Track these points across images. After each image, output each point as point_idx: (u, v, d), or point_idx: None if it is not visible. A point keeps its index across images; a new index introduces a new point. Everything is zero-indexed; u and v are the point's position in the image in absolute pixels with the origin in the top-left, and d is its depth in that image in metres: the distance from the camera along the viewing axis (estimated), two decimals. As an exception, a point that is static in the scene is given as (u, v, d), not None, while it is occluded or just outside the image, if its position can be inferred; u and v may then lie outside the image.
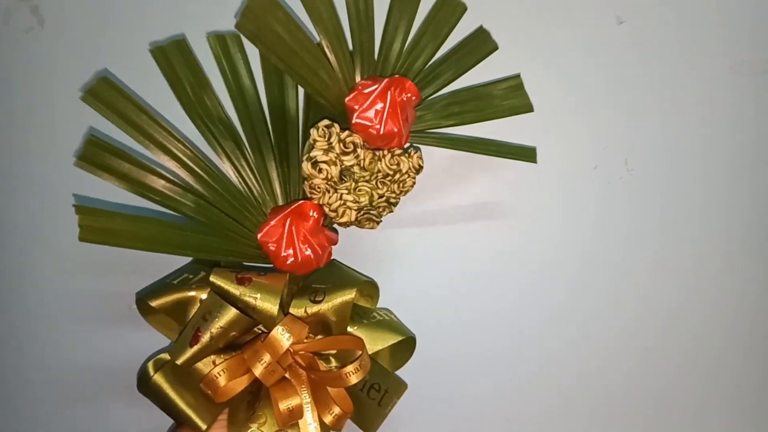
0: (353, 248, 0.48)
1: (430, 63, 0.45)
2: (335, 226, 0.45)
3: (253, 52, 0.43)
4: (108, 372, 0.47)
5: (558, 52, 0.49)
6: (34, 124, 0.45)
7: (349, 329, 0.44)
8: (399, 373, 0.48)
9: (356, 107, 0.39)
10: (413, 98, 0.40)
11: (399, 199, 0.43)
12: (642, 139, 0.51)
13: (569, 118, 0.50)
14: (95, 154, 0.39)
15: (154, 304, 0.42)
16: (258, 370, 0.39)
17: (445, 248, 0.50)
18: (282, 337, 0.39)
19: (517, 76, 0.46)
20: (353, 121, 0.39)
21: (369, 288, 0.48)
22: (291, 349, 0.43)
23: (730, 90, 0.50)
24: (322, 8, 0.40)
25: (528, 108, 0.45)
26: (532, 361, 0.52)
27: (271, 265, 0.43)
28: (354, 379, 0.40)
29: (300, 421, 0.42)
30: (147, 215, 0.40)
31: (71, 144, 0.45)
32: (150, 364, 0.42)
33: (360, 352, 0.41)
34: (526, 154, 0.45)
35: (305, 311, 0.43)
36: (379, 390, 0.45)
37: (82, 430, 0.48)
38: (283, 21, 0.37)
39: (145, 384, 0.41)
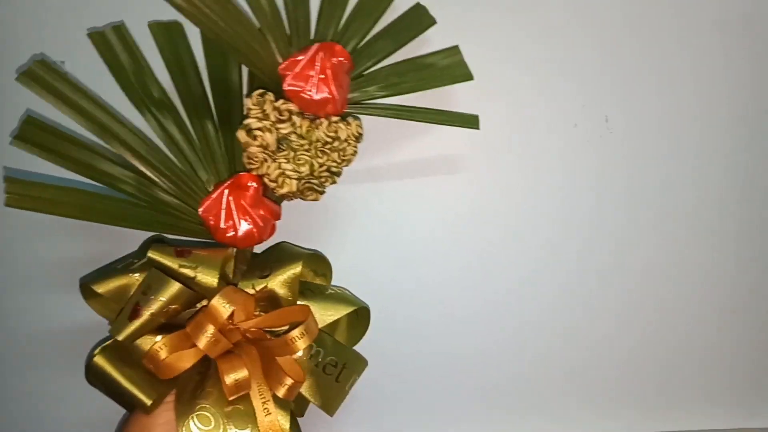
0: (309, 220, 0.48)
1: (367, 38, 0.45)
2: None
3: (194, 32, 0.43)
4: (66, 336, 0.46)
5: (536, 9, 0.49)
6: None
7: (301, 304, 0.44)
8: (362, 347, 0.47)
9: (288, 74, 0.40)
10: (344, 61, 0.40)
11: (341, 168, 0.43)
12: (623, 97, 0.50)
13: (548, 76, 0.50)
14: (33, 134, 0.39)
15: (98, 289, 0.41)
16: (202, 342, 0.38)
17: (410, 207, 0.49)
18: (222, 305, 0.39)
19: (455, 47, 0.46)
20: (285, 88, 0.39)
21: (320, 265, 0.47)
22: (240, 327, 0.42)
23: (712, 42, 0.49)
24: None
25: (467, 77, 0.45)
26: (503, 326, 0.51)
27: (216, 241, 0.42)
28: (301, 344, 0.40)
29: (253, 397, 0.41)
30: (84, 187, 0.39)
31: (27, 107, 0.44)
32: (96, 351, 0.41)
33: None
34: (469, 121, 0.45)
35: (253, 287, 0.43)
36: (336, 366, 0.45)
37: (40, 393, 0.47)
38: None
39: (89, 370, 0.40)
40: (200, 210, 0.41)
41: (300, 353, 0.43)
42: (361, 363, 0.46)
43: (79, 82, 0.42)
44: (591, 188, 0.50)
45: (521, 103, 0.49)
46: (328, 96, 0.40)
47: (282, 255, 0.44)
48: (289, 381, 0.40)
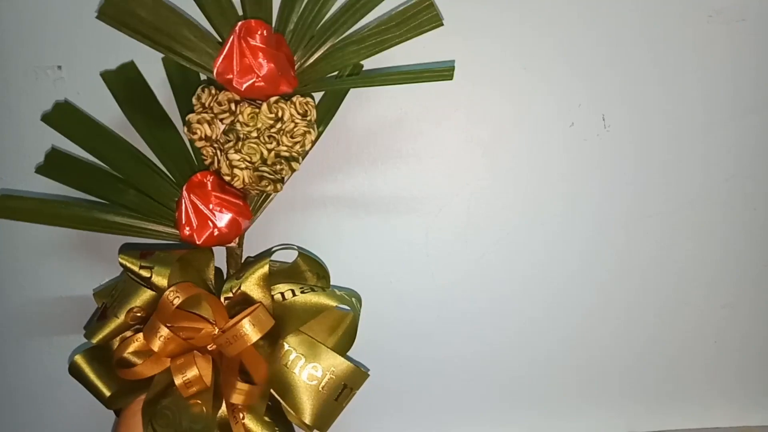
0: (308, 224, 0.48)
1: (333, 13, 0.41)
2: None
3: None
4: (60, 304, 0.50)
5: (533, 8, 0.47)
6: None
7: (282, 301, 0.41)
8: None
9: (216, 62, 0.38)
10: (266, 34, 0.37)
11: (297, 153, 0.39)
12: (619, 95, 0.48)
13: (544, 74, 0.48)
14: (58, 164, 0.45)
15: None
16: (155, 345, 0.38)
17: (408, 209, 0.49)
18: (171, 299, 0.38)
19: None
20: (215, 76, 0.38)
21: (319, 267, 0.44)
22: (222, 332, 0.40)
23: (708, 40, 0.47)
24: None
25: (436, 22, 0.38)
26: (505, 327, 0.52)
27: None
28: (253, 336, 0.37)
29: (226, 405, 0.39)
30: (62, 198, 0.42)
31: (24, 113, 0.47)
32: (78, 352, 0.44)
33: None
34: (444, 73, 0.38)
35: (231, 291, 0.41)
36: (326, 377, 0.40)
37: (37, 359, 0.51)
38: (146, 4, 0.38)
39: (70, 367, 0.43)
40: (176, 213, 0.42)
41: (282, 361, 0.40)
42: (361, 377, 0.41)
43: (91, 115, 0.46)
44: (588, 186, 0.49)
45: (518, 102, 0.48)
46: (254, 78, 0.37)
47: (260, 256, 0.42)
48: (244, 387, 0.37)
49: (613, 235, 0.50)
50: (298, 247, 0.45)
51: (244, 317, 0.38)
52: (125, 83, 0.45)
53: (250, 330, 0.37)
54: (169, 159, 0.44)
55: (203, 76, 0.45)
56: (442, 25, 0.38)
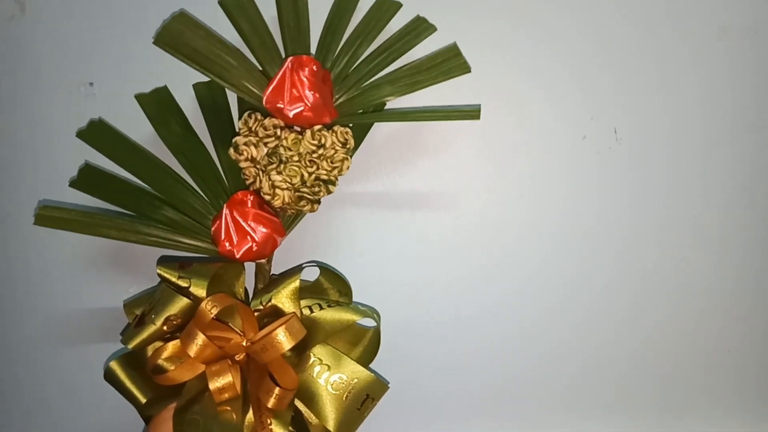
0: (324, 227, 0.50)
1: (369, 53, 0.46)
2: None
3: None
4: (95, 314, 0.50)
5: (545, 21, 0.49)
6: (18, 110, 0.50)
7: (309, 314, 0.44)
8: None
9: (266, 92, 0.42)
10: (314, 69, 0.41)
11: (335, 177, 0.43)
12: (631, 108, 0.50)
13: (557, 88, 0.50)
14: (91, 179, 0.47)
15: (136, 311, 0.46)
16: (192, 350, 0.40)
17: (422, 215, 0.51)
18: (208, 309, 0.40)
19: (453, 45, 0.45)
20: (264, 103, 0.42)
21: (342, 285, 0.47)
22: (251, 342, 0.43)
23: (720, 54, 0.49)
24: (249, 26, 0.44)
25: (465, 69, 0.43)
26: (509, 328, 0.52)
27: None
28: (286, 344, 0.40)
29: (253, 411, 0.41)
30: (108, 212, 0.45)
31: (58, 128, 0.49)
32: (113, 357, 0.45)
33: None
34: (471, 113, 0.43)
35: (261, 303, 0.44)
36: (350, 387, 0.43)
37: (69, 369, 0.51)
38: (201, 35, 0.42)
39: (105, 372, 0.44)
40: (212, 228, 0.44)
41: (309, 371, 0.42)
42: (380, 387, 0.44)
43: (123, 133, 0.49)
44: (600, 198, 0.51)
45: (530, 114, 0.50)
46: (302, 107, 0.41)
47: (289, 271, 0.45)
48: (276, 390, 0.39)
49: (626, 246, 0.51)
50: (321, 263, 0.48)
51: (278, 326, 0.41)
52: (159, 106, 0.48)
53: (284, 338, 0.40)
54: (200, 178, 0.47)
55: (230, 96, 0.48)
56: (470, 71, 0.44)
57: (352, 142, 0.43)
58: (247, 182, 0.43)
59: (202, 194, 0.47)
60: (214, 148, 0.48)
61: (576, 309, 0.52)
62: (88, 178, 0.47)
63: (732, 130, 0.50)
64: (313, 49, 0.47)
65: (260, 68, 0.44)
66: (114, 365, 0.43)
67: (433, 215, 0.50)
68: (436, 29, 0.46)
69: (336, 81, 0.45)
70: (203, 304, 0.40)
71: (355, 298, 0.48)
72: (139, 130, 0.48)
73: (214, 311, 0.40)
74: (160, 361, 0.41)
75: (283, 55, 0.46)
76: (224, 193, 0.46)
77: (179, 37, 0.43)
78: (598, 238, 0.50)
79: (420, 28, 0.46)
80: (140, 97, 0.48)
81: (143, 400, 0.42)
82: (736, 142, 0.50)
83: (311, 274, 0.49)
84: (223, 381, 0.39)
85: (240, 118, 0.48)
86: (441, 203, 0.50)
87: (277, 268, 0.49)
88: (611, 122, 0.49)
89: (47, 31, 0.49)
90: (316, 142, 0.42)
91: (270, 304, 0.43)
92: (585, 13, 0.49)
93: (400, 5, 0.47)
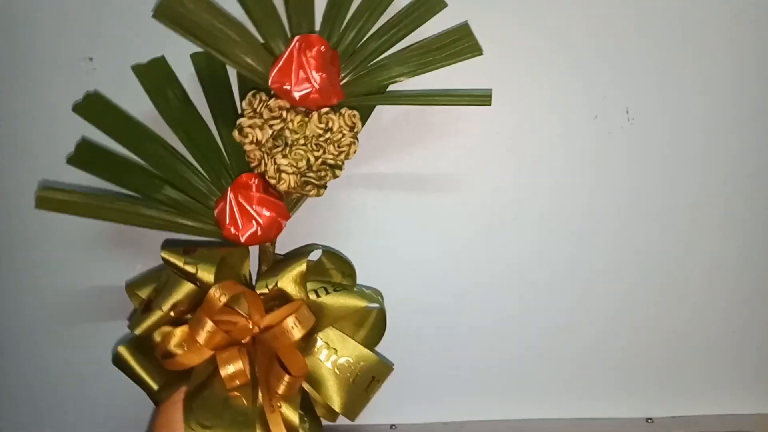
0: (333, 224, 0.49)
1: (374, 29, 0.44)
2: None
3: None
4: (99, 292, 0.50)
5: (557, 2, 0.47)
6: (15, 84, 0.48)
7: (316, 299, 0.44)
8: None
9: (272, 72, 0.40)
10: (323, 50, 0.40)
11: (341, 161, 0.42)
12: (643, 88, 0.50)
13: (568, 67, 0.49)
14: (87, 155, 0.46)
15: (139, 293, 0.45)
16: (201, 337, 0.40)
17: (438, 199, 0.50)
18: (217, 295, 0.40)
19: (465, 24, 0.43)
20: (270, 86, 0.40)
21: (344, 265, 0.47)
22: (257, 325, 0.43)
23: (733, 35, 0.48)
24: None
25: (476, 51, 0.42)
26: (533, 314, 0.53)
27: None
28: (296, 333, 0.40)
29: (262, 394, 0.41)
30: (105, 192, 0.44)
31: (57, 103, 0.47)
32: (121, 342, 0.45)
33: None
34: (482, 98, 0.42)
35: (266, 287, 0.43)
36: (356, 369, 0.44)
37: (72, 349, 0.52)
38: (203, 8, 0.40)
39: (114, 357, 0.45)
40: (215, 211, 0.44)
41: (316, 354, 0.43)
42: (384, 369, 0.45)
43: (121, 107, 0.47)
44: (612, 178, 0.50)
45: (541, 94, 0.49)
46: (309, 89, 0.39)
47: (294, 254, 0.44)
48: (285, 377, 0.39)
49: (638, 227, 0.51)
50: (324, 246, 0.48)
51: (288, 315, 0.41)
52: (156, 77, 0.46)
53: (294, 327, 0.40)
54: (201, 155, 0.46)
55: (230, 73, 0.46)
56: (482, 53, 0.42)
57: (359, 126, 0.42)
58: (252, 165, 0.42)
59: (204, 173, 0.46)
60: (214, 122, 0.46)
61: (580, 289, 0.52)
62: (85, 155, 0.46)
63: (750, 112, 0.49)
64: (317, 24, 0.45)
65: (262, 41, 0.42)
66: (122, 350, 0.43)
67: (441, 195, 0.49)
68: (446, 5, 0.44)
69: (342, 58, 0.43)
70: (212, 292, 0.40)
71: (359, 278, 0.48)
72: (140, 107, 0.46)
73: (223, 299, 0.40)
74: (169, 347, 0.41)
75: (287, 29, 0.44)
76: (226, 172, 0.45)
77: (179, 9, 0.40)
78: (605, 218, 0.50)
79: (430, 2, 0.44)
80: (137, 68, 0.46)
81: (152, 384, 0.43)
82: (756, 124, 0.49)
83: (314, 253, 0.49)
84: (234, 368, 0.40)
85: (240, 90, 0.47)
86: (450, 183, 0.49)
87: (281, 249, 0.49)
88: (623, 102, 0.48)
89: (46, 5, 0.46)
90: (323, 125, 0.41)
91: (276, 287, 0.42)
92: None
93: None
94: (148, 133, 0.46)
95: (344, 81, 0.43)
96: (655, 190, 0.50)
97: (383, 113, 0.47)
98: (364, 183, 0.49)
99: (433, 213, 0.49)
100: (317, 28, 0.45)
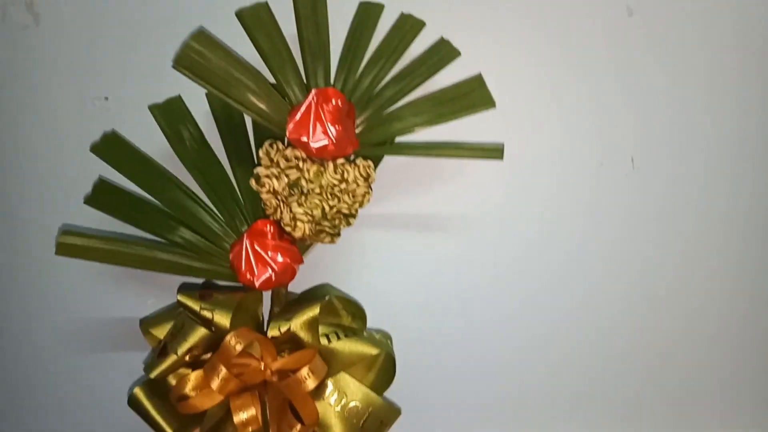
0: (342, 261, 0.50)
1: (388, 78, 0.45)
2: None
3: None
4: (111, 323, 0.51)
5: (566, 47, 0.49)
6: (32, 121, 0.49)
7: (327, 344, 0.44)
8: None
9: (290, 123, 0.41)
10: (339, 104, 0.41)
11: (355, 210, 0.43)
12: (648, 136, 0.51)
13: (574, 114, 0.50)
14: (104, 196, 0.46)
15: (153, 331, 0.46)
16: (214, 383, 0.41)
17: (446, 248, 0.51)
18: (232, 344, 0.41)
19: (478, 76, 0.44)
20: (288, 137, 0.41)
21: (355, 308, 0.47)
22: (269, 368, 0.44)
23: (739, 85, 0.49)
24: (268, 41, 0.43)
25: (489, 104, 0.43)
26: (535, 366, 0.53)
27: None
28: (310, 384, 0.41)
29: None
30: (124, 236, 0.44)
31: (72, 142, 0.48)
32: (137, 384, 0.46)
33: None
34: (494, 152, 0.43)
35: (278, 330, 0.44)
36: (365, 414, 0.45)
37: (86, 378, 0.52)
38: (220, 57, 0.41)
39: (129, 399, 0.45)
40: (231, 255, 0.45)
41: (327, 398, 0.44)
42: (392, 413, 0.46)
43: (138, 147, 0.48)
44: (615, 225, 0.51)
45: (550, 140, 0.50)
46: (326, 141, 0.40)
47: (307, 298, 0.45)
48: (297, 426, 0.40)
49: (641, 273, 0.52)
50: (334, 288, 0.48)
51: (299, 361, 0.42)
52: (172, 117, 0.47)
53: (309, 378, 0.41)
54: (216, 196, 0.46)
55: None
56: (494, 107, 0.43)
57: (374, 176, 0.43)
58: (267, 212, 0.43)
59: (218, 213, 0.46)
60: (228, 162, 0.47)
61: (588, 331, 0.52)
62: (102, 195, 0.46)
63: (752, 162, 0.50)
64: (332, 68, 0.46)
65: (274, 82, 0.43)
66: (138, 392, 0.44)
67: (447, 237, 0.50)
68: (460, 54, 0.45)
69: (357, 105, 0.44)
70: (228, 340, 0.41)
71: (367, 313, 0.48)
72: (154, 146, 0.47)
73: (239, 347, 0.40)
74: (184, 391, 0.42)
75: (303, 75, 0.45)
76: (240, 213, 0.46)
77: (199, 59, 0.41)
78: (612, 264, 0.51)
79: (443, 51, 0.45)
80: (154, 108, 0.47)
81: (166, 428, 0.43)
82: (757, 173, 0.50)
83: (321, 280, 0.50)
84: (246, 414, 0.41)
85: (254, 130, 0.48)
86: (455, 225, 0.50)
87: (291, 286, 0.49)
88: (628, 150, 0.49)
89: (61, 43, 0.47)
90: (338, 176, 0.42)
91: (289, 331, 0.43)
92: (605, 41, 0.48)
93: (423, 24, 0.45)
94: (164, 174, 0.47)
95: (359, 130, 0.44)
96: (661, 236, 0.51)
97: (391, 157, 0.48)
98: (372, 222, 0.49)
99: (439, 254, 0.50)
100: (333, 73, 0.46)
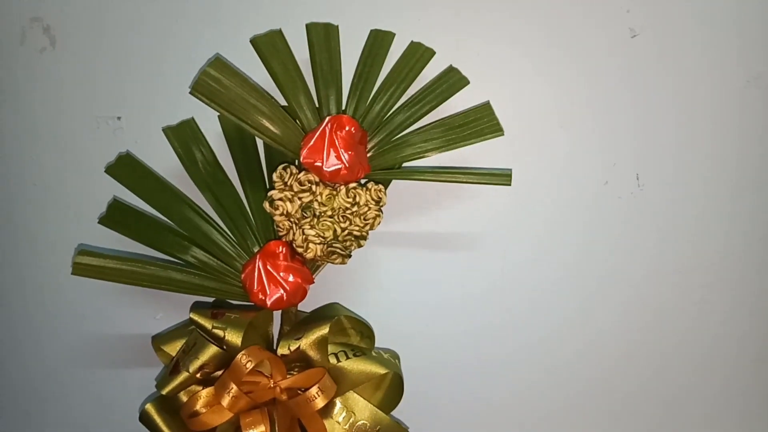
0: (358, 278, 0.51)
1: (401, 105, 0.46)
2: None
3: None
4: (122, 339, 0.52)
5: (570, 66, 0.49)
6: (47, 140, 0.50)
7: (336, 363, 0.45)
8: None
9: (304, 148, 0.42)
10: (353, 131, 0.42)
11: (366, 232, 0.44)
12: (653, 154, 0.51)
13: (579, 133, 0.50)
14: (118, 216, 0.47)
15: (165, 348, 0.47)
16: (225, 401, 0.42)
17: (451, 265, 0.51)
18: (243, 363, 0.42)
19: (487, 104, 0.46)
20: (302, 161, 0.42)
21: (363, 327, 0.48)
22: (278, 385, 0.45)
23: (745, 104, 0.49)
24: (282, 67, 0.44)
25: (497, 132, 0.44)
26: (546, 368, 0.53)
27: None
28: (319, 402, 0.42)
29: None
30: (138, 256, 0.45)
31: (85, 161, 0.49)
32: (149, 400, 0.47)
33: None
34: (503, 178, 0.44)
35: (288, 348, 0.45)
36: None
37: (97, 393, 0.53)
38: (237, 83, 0.43)
39: (141, 415, 0.46)
40: (242, 275, 0.46)
41: (335, 417, 0.44)
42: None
43: (152, 168, 0.49)
44: (622, 243, 0.51)
45: (552, 159, 0.50)
46: (339, 166, 0.42)
47: (317, 317, 0.46)
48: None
49: (646, 291, 0.52)
50: (343, 307, 0.49)
51: (308, 380, 0.43)
52: (186, 139, 0.48)
53: (318, 397, 0.42)
54: (228, 217, 0.47)
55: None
56: (503, 134, 0.44)
57: (385, 200, 0.44)
58: (280, 234, 0.44)
59: (230, 234, 0.48)
60: (240, 182, 0.48)
61: (595, 350, 0.52)
62: (116, 215, 0.47)
63: (761, 177, 0.50)
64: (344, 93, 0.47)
65: (286, 104, 0.45)
66: (150, 408, 0.44)
67: (452, 254, 0.50)
68: (469, 82, 0.47)
69: (368, 130, 0.46)
70: (239, 359, 0.42)
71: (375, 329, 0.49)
72: (167, 165, 0.48)
73: (250, 366, 0.41)
74: (195, 408, 0.43)
75: (316, 100, 0.46)
76: (252, 234, 0.47)
77: (216, 86, 0.43)
78: (616, 281, 0.51)
79: (452, 79, 0.47)
80: (167, 130, 0.48)
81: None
82: (763, 191, 0.50)
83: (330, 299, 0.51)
84: (257, 431, 0.41)
85: (266, 153, 0.49)
86: (461, 243, 0.50)
87: (301, 304, 0.49)
88: (634, 168, 0.49)
89: (77, 65, 0.48)
90: (350, 199, 0.43)
91: (298, 349, 0.44)
92: (609, 61, 0.49)
93: (433, 52, 0.47)
94: (177, 195, 0.48)
95: (370, 154, 0.45)
96: (666, 255, 0.51)
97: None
98: (381, 241, 0.50)
99: (445, 270, 0.50)
100: (344, 98, 0.47)
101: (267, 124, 0.43)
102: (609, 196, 0.51)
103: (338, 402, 0.45)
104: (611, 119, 0.50)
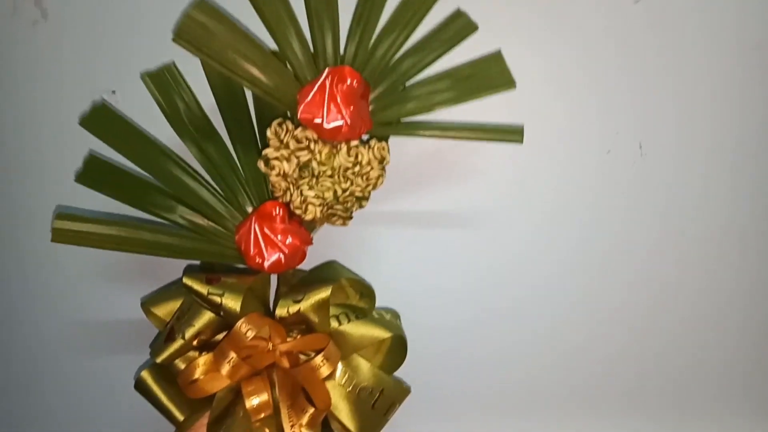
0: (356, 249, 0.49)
1: (402, 51, 0.43)
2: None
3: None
4: (121, 324, 0.51)
5: (571, 34, 0.48)
6: (40, 116, 0.48)
7: (337, 326, 0.44)
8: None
9: (301, 103, 0.39)
10: (355, 84, 0.39)
11: (368, 193, 0.42)
12: (656, 123, 0.49)
13: (581, 102, 0.49)
14: (95, 172, 0.44)
15: (155, 311, 0.45)
16: (224, 369, 0.40)
17: (454, 239, 0.50)
18: (244, 330, 0.40)
19: (498, 53, 0.42)
20: (299, 117, 0.39)
21: (363, 287, 0.47)
22: (277, 349, 0.43)
23: (747, 71, 0.48)
24: (273, 13, 0.40)
25: (509, 85, 0.41)
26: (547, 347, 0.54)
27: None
28: (324, 370, 0.41)
29: (283, 421, 0.42)
30: (125, 219, 0.42)
31: (78, 134, 0.46)
32: (144, 367, 0.45)
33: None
34: (513, 134, 0.42)
35: (287, 311, 0.43)
36: (372, 393, 0.45)
37: (96, 381, 0.53)
38: (224, 29, 0.38)
39: (137, 383, 0.45)
40: (236, 236, 0.43)
41: (338, 379, 0.44)
42: (402, 392, 0.46)
43: (131, 120, 0.45)
44: (624, 213, 0.51)
45: (554, 129, 0.49)
46: (341, 122, 0.38)
47: (317, 279, 0.45)
48: (310, 409, 0.40)
49: (650, 262, 0.52)
50: (342, 267, 0.47)
51: (309, 345, 0.42)
52: (166, 85, 0.44)
53: (323, 365, 0.40)
54: (216, 172, 0.44)
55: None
56: (515, 87, 0.41)
57: (388, 158, 0.41)
58: (276, 194, 0.41)
59: (219, 190, 0.44)
60: (229, 137, 0.45)
61: (598, 318, 0.53)
62: (94, 171, 0.44)
63: (763, 147, 0.49)
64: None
65: (277, 49, 0.40)
66: (145, 375, 0.43)
67: (455, 228, 0.49)
68: (477, 27, 0.43)
69: (368, 79, 0.42)
70: (239, 327, 0.40)
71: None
72: (163, 137, 0.45)
73: (251, 334, 0.40)
74: (192, 368, 0.41)
75: (309, 40, 0.42)
76: (244, 192, 0.44)
77: (200, 31, 0.38)
78: (620, 250, 0.51)
79: (460, 24, 0.43)
80: (146, 76, 0.44)
81: (174, 411, 0.43)
82: (765, 160, 0.50)
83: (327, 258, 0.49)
84: (258, 400, 0.40)
85: (255, 107, 0.45)
86: (463, 216, 0.49)
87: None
88: (636, 137, 0.49)
89: (69, 38, 0.46)
90: (352, 158, 0.40)
91: (299, 312, 0.42)
92: (611, 28, 0.47)
93: None
94: (160, 148, 0.44)
95: (371, 108, 0.42)
96: (670, 224, 0.51)
97: (401, 147, 0.45)
98: (381, 218, 0.49)
99: (448, 245, 0.50)
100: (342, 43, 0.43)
101: (260, 75, 0.39)
102: (611, 164, 0.50)
103: (341, 365, 0.44)
104: (612, 87, 0.48)
